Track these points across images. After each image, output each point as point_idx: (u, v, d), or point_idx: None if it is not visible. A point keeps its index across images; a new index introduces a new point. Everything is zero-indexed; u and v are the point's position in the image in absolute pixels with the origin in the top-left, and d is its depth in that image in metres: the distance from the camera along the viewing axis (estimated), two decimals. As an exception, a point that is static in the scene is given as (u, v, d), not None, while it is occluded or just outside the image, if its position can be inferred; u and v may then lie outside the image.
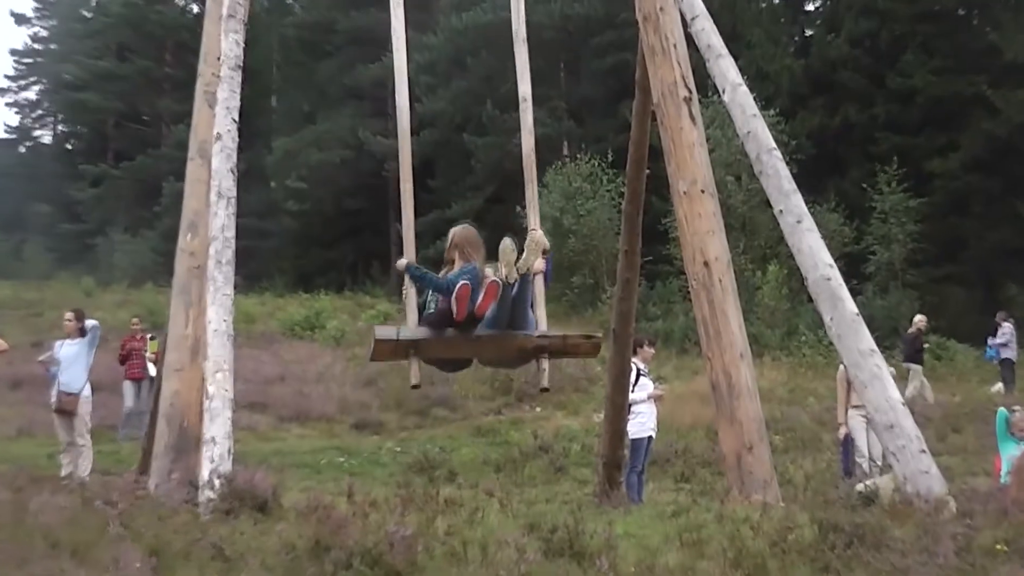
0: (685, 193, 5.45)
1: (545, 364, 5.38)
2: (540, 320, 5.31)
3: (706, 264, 5.29)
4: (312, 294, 26.11)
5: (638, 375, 8.17)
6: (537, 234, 5.40)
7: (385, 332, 5.16)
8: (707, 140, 5.89)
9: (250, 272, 30.89)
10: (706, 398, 7.04)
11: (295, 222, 33.86)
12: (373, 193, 32.62)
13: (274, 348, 18.71)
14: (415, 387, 5.27)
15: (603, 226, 23.83)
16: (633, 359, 7.96)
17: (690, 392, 13.22)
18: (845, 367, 5.17)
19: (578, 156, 25.42)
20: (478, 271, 5.19)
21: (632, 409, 8.02)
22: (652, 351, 8.81)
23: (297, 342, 19.75)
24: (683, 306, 20.60)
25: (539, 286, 5.36)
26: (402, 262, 5.28)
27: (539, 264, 5.30)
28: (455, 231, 5.55)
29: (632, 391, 7.97)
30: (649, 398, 8.21)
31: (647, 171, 7.17)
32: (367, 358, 5.63)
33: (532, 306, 5.30)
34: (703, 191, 5.47)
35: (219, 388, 4.53)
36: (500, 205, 29.12)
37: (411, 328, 5.12)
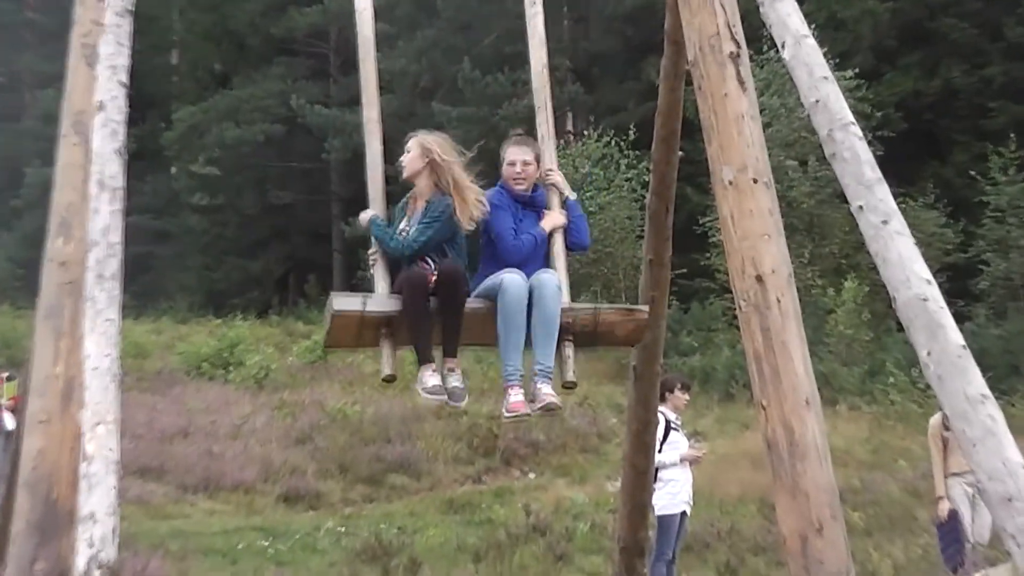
0: (731, 183, 5.48)
1: (569, 351, 5.47)
2: (561, 289, 5.43)
3: (759, 279, 5.31)
4: (226, 319, 26.11)
5: (668, 429, 8.19)
6: (555, 174, 5.70)
7: (346, 302, 5.09)
8: (761, 111, 5.94)
9: (143, 289, 30.89)
10: (759, 460, 7.03)
11: (204, 221, 33.92)
12: (310, 182, 32.74)
13: (175, 392, 18.68)
14: (389, 379, 5.22)
15: (620, 227, 24.03)
16: (660, 408, 7.98)
17: (738, 452, 13.22)
18: (945, 417, 5.19)
19: (587, 133, 25.65)
20: (452, 213, 5.35)
21: (660, 475, 8.02)
22: (686, 397, 8.85)
23: (206, 384, 19.74)
24: (728, 335, 20.72)
25: (558, 245, 5.60)
26: (366, 214, 5.46)
27: (556, 215, 5.62)
28: (418, 141, 5.71)
29: (660, 451, 7.98)
30: (682, 461, 8.22)
31: (680, 153, 7.21)
32: (323, 343, 5.57)
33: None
34: (755, 180, 5.50)
35: (100, 447, 4.51)
36: (482, 198, 29.23)
37: (381, 298, 5.15)
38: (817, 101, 5.33)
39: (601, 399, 18.13)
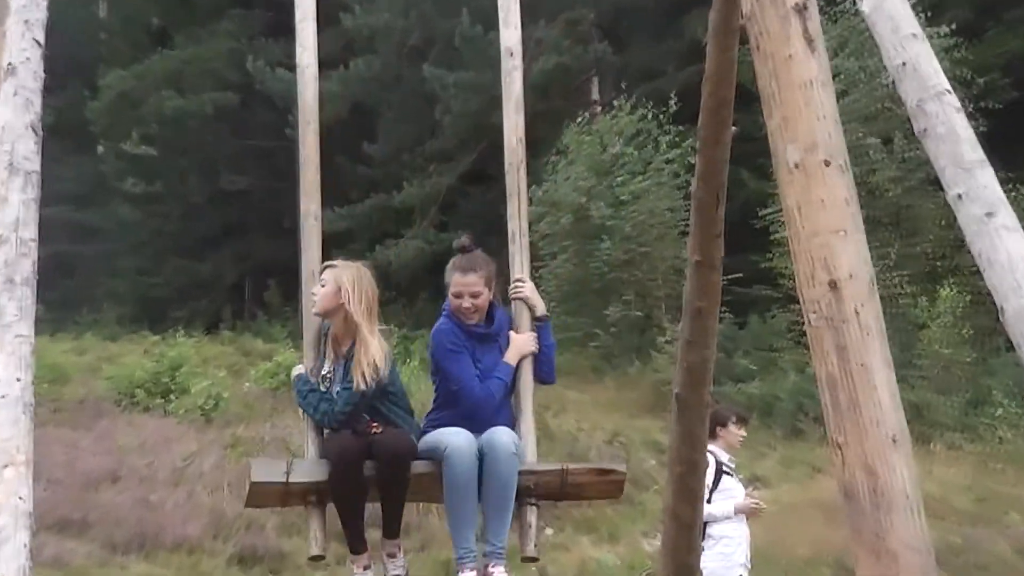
0: (797, 166, 5.47)
1: (531, 518, 5.70)
2: (525, 440, 5.69)
3: (833, 285, 5.30)
4: (166, 335, 26.17)
5: (719, 473, 8.19)
6: (526, 288, 5.94)
7: (267, 471, 5.36)
8: (834, 76, 5.93)
9: (62, 298, 30.99)
10: (834, 512, 7.02)
11: (138, 213, 34.02)
12: (271, 164, 32.79)
13: (101, 426, 18.68)
14: (316, 559, 5.52)
15: (659, 220, 24.13)
16: (710, 446, 7.97)
17: (807, 502, 13.22)
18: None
19: (617, 103, 25.70)
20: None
21: (709, 531, 8.03)
22: (742, 433, 8.85)
23: (140, 416, 19.73)
24: (794, 355, 20.72)
25: (526, 380, 5.82)
26: (295, 370, 5.96)
27: (525, 341, 5.88)
28: (335, 277, 5.96)
29: (709, 500, 7.98)
30: (737, 513, 8.21)
31: (733, 129, 7.21)
32: (243, 497, 5.87)
33: (513, 410, 5.79)
34: (827, 162, 5.49)
35: (9, 494, 4.52)
36: (482, 187, 29.29)
37: (309, 465, 5.41)
38: (904, 64, 5.33)
39: (635, 435, 18.14)
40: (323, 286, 5.89)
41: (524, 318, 6.00)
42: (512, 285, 6.03)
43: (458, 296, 5.91)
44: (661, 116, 24.62)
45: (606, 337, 23.97)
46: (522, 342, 5.90)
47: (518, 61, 6.34)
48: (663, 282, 23.90)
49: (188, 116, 31.42)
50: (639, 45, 29.84)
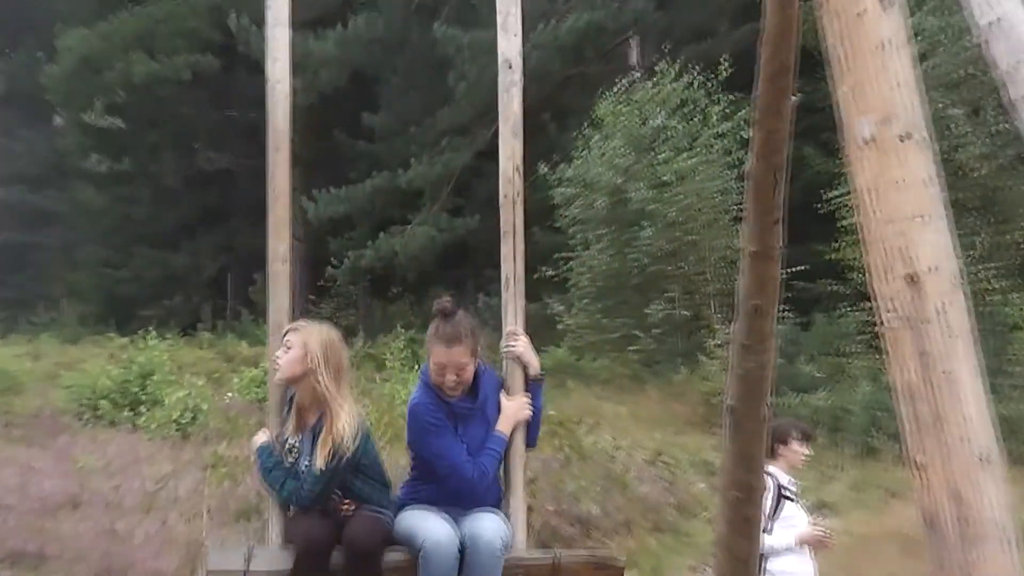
0: (869, 141, 5.47)
1: None
2: (514, 520, 5.86)
3: (912, 279, 5.31)
4: (135, 338, 26.27)
5: (780, 498, 8.18)
6: (520, 344, 6.10)
7: (225, 558, 5.59)
8: (912, 38, 5.91)
9: (15, 295, 31.06)
10: (914, 543, 7.00)
11: (103, 196, 34.17)
12: (257, 139, 32.85)
13: (60, 444, 18.72)
14: None
15: (709, 204, 24.12)
16: (769, 467, 7.99)
17: (882, 532, 13.20)
18: None
19: (659, 68, 25.66)
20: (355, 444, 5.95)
21: (769, 566, 8.02)
22: (806, 451, 8.84)
23: (105, 431, 19.78)
24: (867, 362, 20.69)
25: (517, 449, 5.97)
26: (257, 438, 6.17)
27: (519, 407, 6.04)
28: (302, 339, 6.10)
29: (769, 530, 7.99)
30: (801, 544, 8.22)
31: (794, 98, 7.21)
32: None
33: (501, 483, 6.00)
34: (905, 136, 5.50)
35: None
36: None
37: (272, 552, 5.63)
38: (996, 22, 5.32)
39: (681, 455, 18.13)
40: (288, 350, 6.00)
41: (517, 378, 6.09)
42: (505, 340, 6.11)
43: (441, 370, 5.95)
44: (710, 83, 24.61)
45: (647, 340, 23.98)
46: (515, 409, 6.02)
47: (518, 75, 6.26)
48: (713, 276, 23.89)
49: (161, 83, 31.42)
50: (685, 2, 29.80)
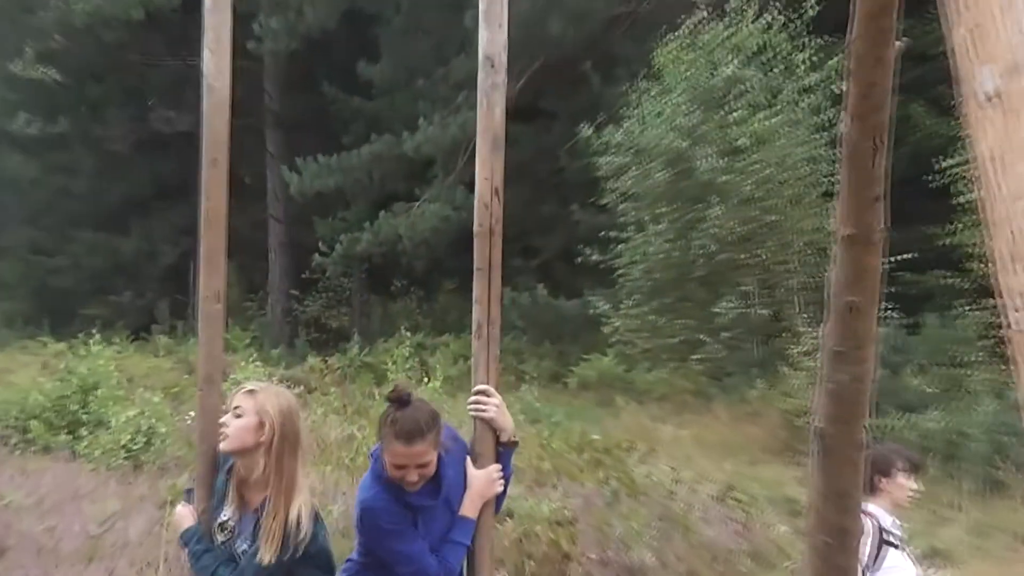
0: (993, 97, 5.52)
1: None
2: None
3: (1048, 270, 5.37)
4: (75, 342, 26.40)
5: (881, 544, 8.21)
6: (491, 406, 6.31)
7: None
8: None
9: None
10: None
11: (33, 165, 34.28)
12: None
13: (-19, 473, 18.87)
14: None
15: (794, 175, 24.12)
16: (868, 505, 8.04)
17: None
18: None
19: (731, 5, 25.61)
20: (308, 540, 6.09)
21: (867, 628, 8.06)
22: (914, 486, 8.86)
23: (39, 460, 19.87)
24: (990, 374, 20.64)
25: (485, 525, 6.20)
26: (180, 516, 6.38)
27: (487, 482, 6.29)
28: (257, 405, 6.20)
29: (866, 581, 8.02)
30: (908, 602, 8.24)
31: (899, 44, 7.24)
32: None
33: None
34: (1040, 91, 5.55)
35: None
36: (534, 127, 29.33)
37: None
38: None
39: (757, 490, 18.14)
40: (239, 416, 6.09)
41: (488, 445, 6.24)
42: (473, 399, 6.26)
43: (400, 470, 6.05)
44: (795, 24, 24.55)
45: (715, 346, 23.99)
46: (484, 484, 6.18)
47: (502, 76, 6.22)
48: (799, 266, 23.88)
49: (106, 25, 31.47)
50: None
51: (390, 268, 36.73)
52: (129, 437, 19.99)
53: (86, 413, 21.01)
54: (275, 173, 32.97)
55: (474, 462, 6.22)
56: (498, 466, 6.25)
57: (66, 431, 20.71)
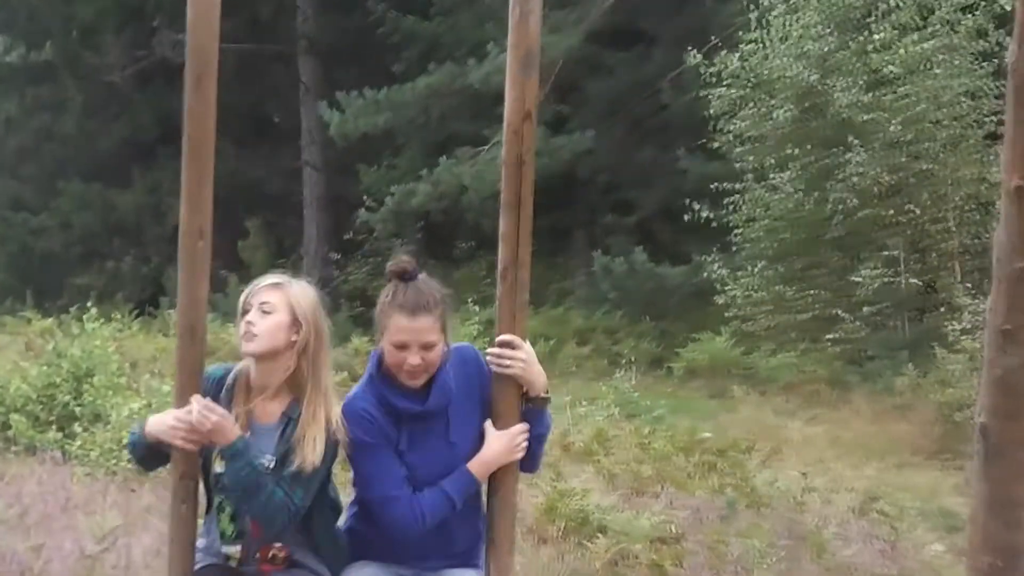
0: None
1: None
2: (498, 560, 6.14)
3: None
4: (64, 317, 26.61)
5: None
6: (517, 359, 6.20)
7: None
8: None
9: None
10: None
11: (11, 102, 34.52)
12: (247, 10, 33.15)
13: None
14: None
15: (951, 113, 24.04)
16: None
17: None
18: None
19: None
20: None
21: None
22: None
23: (22, 462, 19.84)
24: None
25: (504, 493, 6.27)
26: (199, 413, 6.06)
27: (509, 444, 6.23)
28: (287, 299, 6.44)
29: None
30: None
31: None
32: None
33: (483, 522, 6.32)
34: None
35: None
36: (625, 53, 29.33)
37: None
38: None
39: (907, 500, 18.07)
40: (268, 312, 6.24)
41: (509, 402, 6.18)
42: (494, 351, 6.21)
43: (402, 348, 6.14)
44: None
45: (855, 323, 23.95)
46: (503, 446, 6.15)
47: (536, 4, 6.33)
48: (958, 225, 23.81)
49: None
50: None
51: (452, 227, 36.79)
52: (134, 439, 20.06)
53: (79, 405, 20.96)
54: (311, 111, 33.13)
55: (494, 422, 6.19)
56: (523, 426, 6.17)
57: (55, 428, 20.67)
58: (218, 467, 6.12)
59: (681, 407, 23.84)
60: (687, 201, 28.84)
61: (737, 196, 27.41)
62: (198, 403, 6.00)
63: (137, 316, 27.74)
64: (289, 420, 6.08)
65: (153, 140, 34.70)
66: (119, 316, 26.72)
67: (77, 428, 20.14)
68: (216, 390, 6.24)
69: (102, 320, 25.73)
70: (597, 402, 22.42)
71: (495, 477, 6.14)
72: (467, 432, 6.18)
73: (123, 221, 33.75)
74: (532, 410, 6.22)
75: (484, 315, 27.20)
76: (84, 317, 25.02)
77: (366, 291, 37.31)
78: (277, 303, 6.19)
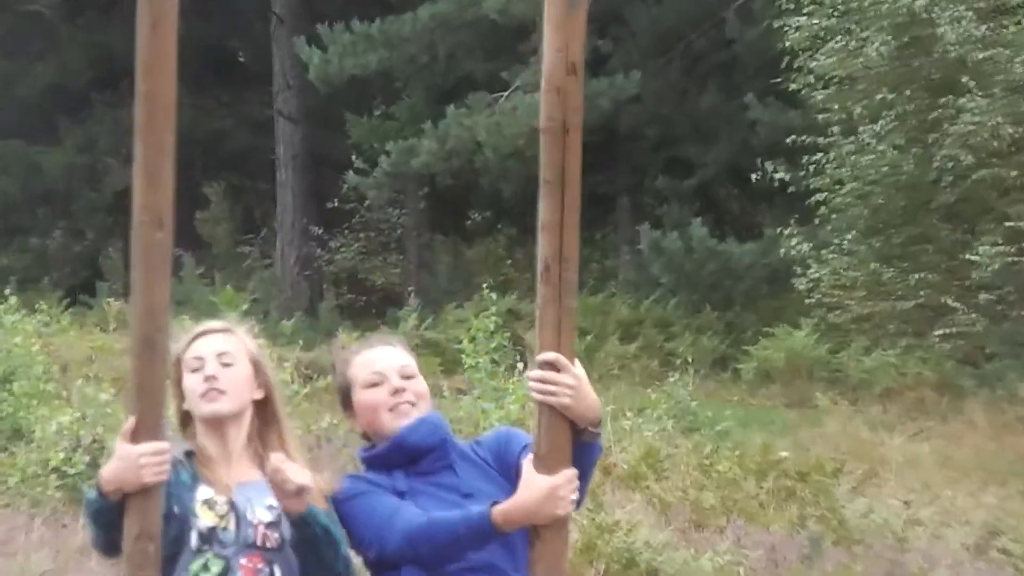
0: None
1: None
2: None
3: None
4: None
5: None
6: (563, 387, 5.79)
7: None
8: None
9: None
10: None
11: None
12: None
13: None
14: None
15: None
16: None
17: None
18: None
19: None
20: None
21: None
22: None
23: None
24: None
25: (544, 551, 5.87)
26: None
27: (548, 493, 5.79)
28: (242, 344, 6.46)
29: None
30: None
31: None
32: None
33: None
34: None
35: None
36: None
37: None
38: None
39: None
40: (228, 364, 6.27)
41: (558, 440, 5.75)
42: (536, 375, 5.76)
43: (376, 384, 6.21)
44: None
45: (969, 314, 23.92)
46: (544, 495, 5.70)
47: None
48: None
49: None
50: None
51: (464, 193, 36.78)
52: (63, 456, 20.01)
53: (1, 418, 21.14)
54: (285, 48, 33.23)
55: (537, 467, 5.77)
56: (572, 473, 5.76)
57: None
58: (207, 520, 6.07)
59: (752, 419, 23.90)
60: (758, 160, 28.87)
61: (820, 154, 27.37)
62: (278, 460, 5.93)
63: (68, 306, 27.81)
64: (235, 506, 6.08)
65: (86, 85, 34.86)
66: (45, 306, 26.82)
67: (-5, 447, 20.29)
68: (184, 458, 6.19)
69: (24, 312, 25.86)
70: (646, 413, 22.43)
71: (540, 539, 5.76)
72: (484, 486, 6.15)
73: (50, 187, 33.87)
74: (580, 445, 5.84)
75: (504, 304, 27.23)
76: (1, 308, 25.21)
77: (356, 274, 37.32)
78: (236, 353, 6.27)
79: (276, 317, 31.18)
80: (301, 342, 28.72)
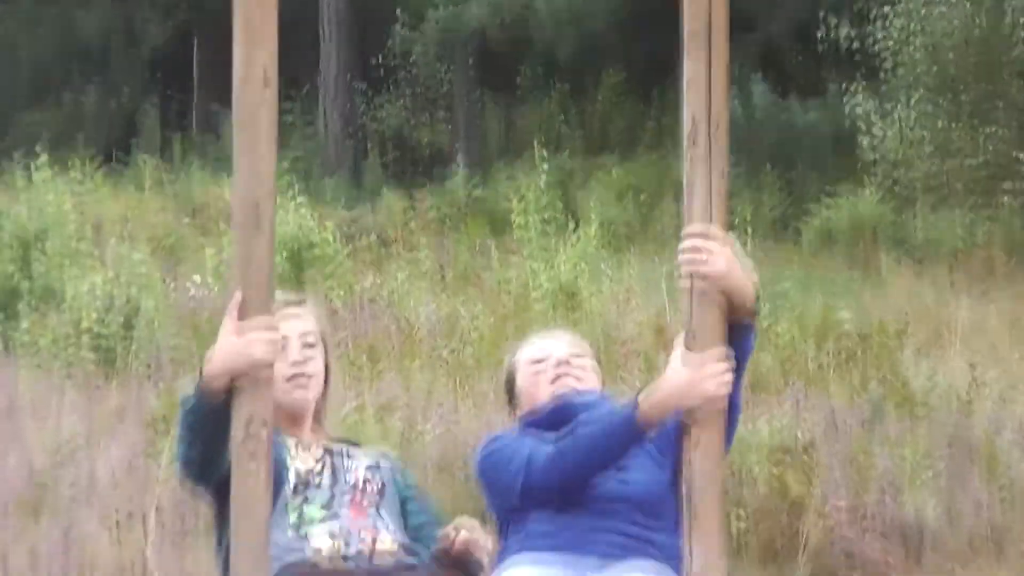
0: None
1: None
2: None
3: None
4: (6, 167, 26.82)
5: None
6: (715, 257, 5.73)
7: None
8: None
9: None
10: None
11: None
12: None
13: None
14: None
15: None
16: None
17: None
18: None
19: None
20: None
21: None
22: None
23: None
24: None
25: (701, 461, 5.74)
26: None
27: (699, 373, 5.69)
28: (318, 322, 6.65)
29: None
30: None
31: None
32: None
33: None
34: None
35: None
36: None
37: None
38: None
39: None
40: (311, 344, 6.39)
41: (711, 321, 5.65)
42: (687, 246, 5.65)
43: (539, 360, 6.33)
44: None
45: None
46: (687, 377, 5.61)
47: None
48: None
49: None
50: None
51: (516, 50, 36.74)
52: (96, 317, 20.13)
53: (27, 279, 21.10)
54: None
55: (688, 345, 5.67)
56: (721, 351, 5.57)
57: (-6, 308, 20.84)
58: (303, 463, 6.22)
59: (812, 282, 23.94)
60: (821, 15, 28.83)
61: (888, 7, 27.34)
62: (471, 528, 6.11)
63: (102, 165, 27.86)
64: (330, 452, 6.25)
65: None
66: (79, 165, 26.81)
67: (23, 309, 20.40)
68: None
69: (56, 169, 25.89)
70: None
71: (695, 423, 5.58)
72: (642, 460, 6.14)
73: (84, 41, 33.89)
74: (735, 327, 5.73)
75: (556, 163, 27.23)
76: (33, 166, 25.23)
77: (401, 132, 37.28)
78: (311, 328, 6.34)
79: (318, 177, 31.12)
80: (344, 202, 28.68)
